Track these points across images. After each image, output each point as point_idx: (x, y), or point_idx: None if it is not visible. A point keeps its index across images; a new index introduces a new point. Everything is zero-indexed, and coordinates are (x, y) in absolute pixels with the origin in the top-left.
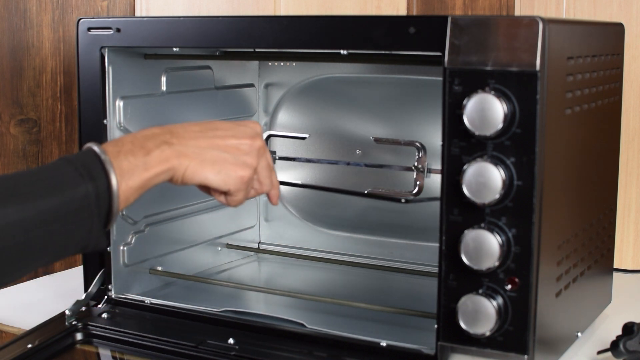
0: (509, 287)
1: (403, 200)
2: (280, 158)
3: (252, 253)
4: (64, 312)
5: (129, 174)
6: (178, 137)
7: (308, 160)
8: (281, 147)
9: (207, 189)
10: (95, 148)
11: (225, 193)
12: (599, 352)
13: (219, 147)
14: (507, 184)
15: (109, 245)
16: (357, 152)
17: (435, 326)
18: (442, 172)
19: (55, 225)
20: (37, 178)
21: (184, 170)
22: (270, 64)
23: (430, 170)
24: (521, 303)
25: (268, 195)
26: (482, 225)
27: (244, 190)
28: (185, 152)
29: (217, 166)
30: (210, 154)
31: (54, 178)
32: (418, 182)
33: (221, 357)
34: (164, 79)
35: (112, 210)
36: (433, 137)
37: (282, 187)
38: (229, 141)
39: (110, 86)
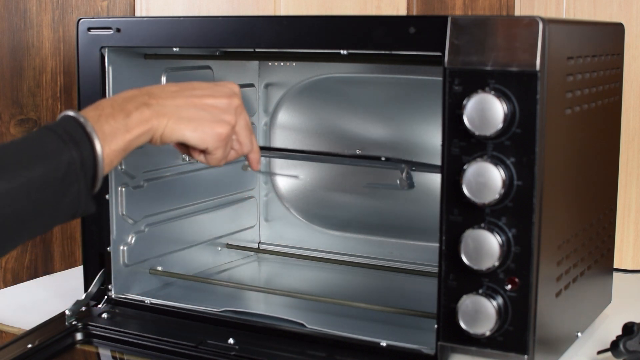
0: (509, 287)
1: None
2: (269, 148)
3: (252, 253)
4: (64, 312)
5: (111, 137)
6: (156, 97)
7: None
8: (281, 146)
9: (186, 148)
10: (75, 115)
11: (204, 152)
12: (599, 352)
13: (196, 105)
14: (507, 184)
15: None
16: (357, 152)
17: (435, 326)
18: (442, 172)
19: (43, 193)
20: (20, 148)
21: (162, 130)
22: (270, 64)
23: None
24: (521, 303)
25: (248, 159)
26: (482, 225)
27: (223, 148)
28: (164, 111)
29: (194, 123)
30: (188, 112)
31: (37, 147)
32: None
33: (221, 357)
34: (164, 79)
35: (98, 175)
36: (433, 137)
37: (282, 187)
38: (207, 100)
39: (110, 86)
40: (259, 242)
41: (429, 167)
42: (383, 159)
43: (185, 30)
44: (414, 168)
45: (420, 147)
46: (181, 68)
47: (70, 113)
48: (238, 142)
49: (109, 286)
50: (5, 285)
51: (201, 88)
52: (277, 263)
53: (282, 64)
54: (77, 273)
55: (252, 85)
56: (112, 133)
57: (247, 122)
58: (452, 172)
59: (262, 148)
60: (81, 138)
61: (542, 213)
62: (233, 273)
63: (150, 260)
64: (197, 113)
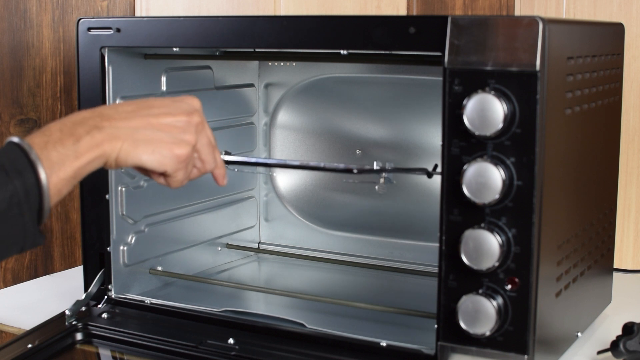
0: (509, 287)
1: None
2: (237, 162)
3: (252, 253)
4: (64, 312)
5: (58, 164)
6: (109, 119)
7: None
8: (281, 146)
9: (145, 171)
10: (20, 142)
11: (164, 174)
12: (599, 352)
13: (152, 126)
14: (507, 184)
15: (45, 240)
16: (357, 152)
17: (435, 326)
18: (442, 172)
19: None
20: None
21: (117, 153)
22: (270, 64)
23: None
24: (521, 303)
25: (213, 175)
26: (482, 225)
27: (183, 169)
28: (117, 134)
29: (151, 146)
30: (144, 133)
31: None
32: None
33: (221, 357)
34: (164, 79)
35: (44, 206)
36: (433, 137)
37: (282, 187)
38: (164, 119)
39: (110, 86)
40: (259, 242)
41: (404, 170)
42: (355, 171)
43: (185, 30)
44: (385, 175)
45: (420, 147)
46: (181, 68)
47: (15, 140)
48: (200, 160)
49: (109, 286)
50: (5, 285)
51: (158, 106)
52: (277, 263)
53: (282, 64)
54: (77, 273)
55: (252, 85)
56: (60, 160)
57: (209, 139)
58: (452, 172)
59: (228, 163)
60: (25, 167)
61: (542, 213)
62: (233, 273)
63: (150, 260)
64: (154, 134)
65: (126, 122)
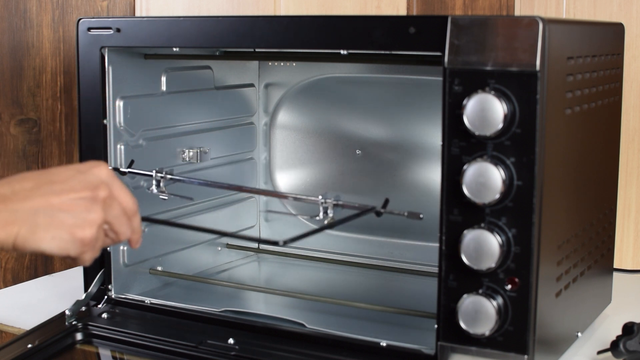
0: (509, 287)
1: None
2: (155, 221)
3: (252, 253)
4: (64, 312)
5: None
6: (4, 200)
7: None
8: (281, 146)
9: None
10: None
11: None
12: (599, 352)
13: (53, 206)
14: (507, 184)
15: None
16: (357, 152)
17: (435, 326)
18: (442, 172)
19: None
20: None
21: (13, 239)
22: (270, 64)
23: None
24: (521, 303)
25: (128, 240)
26: (482, 225)
27: (90, 251)
28: (13, 219)
29: (50, 231)
30: (43, 216)
31: None
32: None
33: (221, 357)
34: (164, 79)
35: None
36: (433, 137)
37: (282, 187)
38: (67, 196)
39: (110, 86)
40: (259, 242)
41: (347, 220)
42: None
43: (185, 30)
44: (330, 213)
45: (420, 147)
46: (181, 68)
47: None
48: (113, 231)
49: (109, 286)
50: (5, 285)
51: (61, 181)
52: (277, 263)
53: (282, 64)
54: (77, 273)
55: (252, 85)
56: None
57: (122, 208)
58: (452, 172)
59: (145, 219)
60: None
61: (542, 213)
62: (233, 273)
63: (150, 260)
64: (55, 216)
65: (24, 203)
